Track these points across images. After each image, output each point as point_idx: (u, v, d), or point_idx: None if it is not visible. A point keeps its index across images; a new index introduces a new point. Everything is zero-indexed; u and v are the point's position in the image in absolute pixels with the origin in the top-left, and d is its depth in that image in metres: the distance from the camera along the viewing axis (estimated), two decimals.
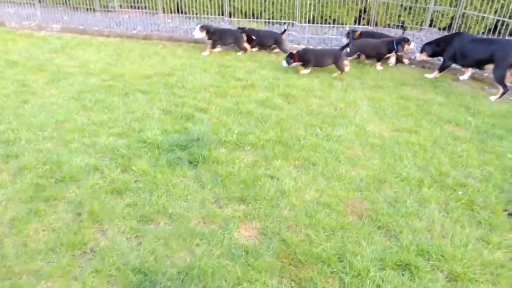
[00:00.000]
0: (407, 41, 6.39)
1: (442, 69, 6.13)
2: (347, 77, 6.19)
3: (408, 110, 5.12)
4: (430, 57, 6.26)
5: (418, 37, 7.68)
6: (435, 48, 6.14)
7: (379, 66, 6.54)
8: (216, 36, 7.26)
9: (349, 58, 6.50)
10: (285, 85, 5.86)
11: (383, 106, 5.24)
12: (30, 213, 3.31)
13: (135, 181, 3.76)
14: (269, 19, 8.52)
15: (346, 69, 6.25)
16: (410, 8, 7.80)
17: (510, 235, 3.17)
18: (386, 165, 4.01)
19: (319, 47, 7.40)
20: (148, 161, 4.02)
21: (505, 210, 3.42)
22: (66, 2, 9.41)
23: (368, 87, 5.83)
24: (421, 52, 6.33)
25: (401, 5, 7.81)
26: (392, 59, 6.69)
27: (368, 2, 7.95)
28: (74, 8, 9.30)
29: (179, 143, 4.30)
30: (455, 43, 5.89)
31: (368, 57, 6.78)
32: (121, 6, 9.24)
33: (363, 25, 8.10)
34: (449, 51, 5.96)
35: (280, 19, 8.45)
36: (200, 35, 7.24)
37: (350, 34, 7.13)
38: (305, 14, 8.10)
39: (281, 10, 8.40)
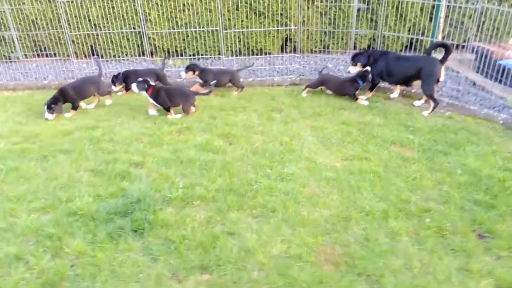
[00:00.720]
0: (368, 73, 6.24)
1: (372, 88, 6.24)
2: (285, 108, 6.04)
3: (352, 136, 5.05)
4: (363, 67, 6.22)
5: (343, 60, 7.86)
6: (367, 58, 6.17)
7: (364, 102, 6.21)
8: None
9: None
10: (223, 124, 5.54)
11: (327, 134, 5.12)
12: None
13: (71, 266, 3.14)
14: (193, 55, 8.21)
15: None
16: (332, 33, 7.98)
17: (486, 259, 3.09)
18: (346, 200, 3.82)
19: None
20: (83, 238, 3.41)
21: (474, 231, 3.36)
22: None
23: (307, 115, 5.71)
24: (354, 64, 6.31)
25: (324, 31, 7.97)
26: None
27: (292, 30, 8.00)
28: None
29: (117, 209, 3.74)
30: (381, 61, 6.03)
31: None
32: (26, 55, 8.35)
33: (288, 53, 8.12)
34: (376, 69, 6.08)
35: (205, 54, 8.18)
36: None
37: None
38: (230, 46, 7.93)
39: (205, 44, 8.14)
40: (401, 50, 7.92)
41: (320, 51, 8.19)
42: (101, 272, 3.07)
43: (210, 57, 8.16)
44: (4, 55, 8.27)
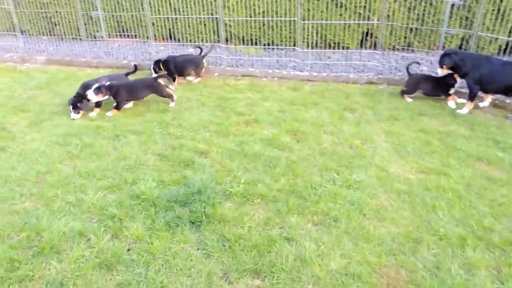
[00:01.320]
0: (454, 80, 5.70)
1: (473, 98, 5.52)
2: (359, 107, 5.69)
3: (431, 146, 4.60)
4: (450, 69, 5.61)
5: (428, 60, 7.25)
6: (456, 60, 5.54)
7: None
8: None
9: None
10: (292, 119, 5.34)
11: (402, 141, 4.72)
12: None
13: (128, 251, 3.18)
14: (267, 44, 8.05)
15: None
16: (418, 29, 7.37)
17: None
18: (418, 219, 3.47)
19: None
20: (143, 222, 3.45)
21: None
22: (50, 32, 8.92)
23: (382, 118, 5.32)
24: (441, 66, 5.72)
25: (410, 28, 7.38)
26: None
27: (374, 24, 7.52)
28: (59, 37, 8.78)
29: (178, 198, 3.73)
30: (483, 67, 5.33)
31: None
32: (109, 35, 8.74)
33: (367, 48, 7.66)
34: (475, 75, 5.37)
35: (280, 44, 7.99)
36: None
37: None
38: (306, 38, 7.65)
39: (280, 34, 7.94)
40: (497, 54, 7.10)
41: (403, 49, 7.61)
42: (155, 261, 3.07)
43: (284, 48, 7.94)
44: (90, 34, 8.72)
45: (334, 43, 7.84)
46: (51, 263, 3.04)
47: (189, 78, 6.93)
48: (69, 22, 8.71)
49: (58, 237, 3.28)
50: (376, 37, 7.58)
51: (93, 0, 8.34)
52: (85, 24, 8.62)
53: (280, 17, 7.69)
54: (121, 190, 3.92)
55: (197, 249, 3.20)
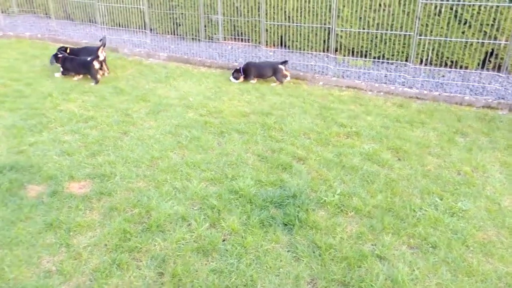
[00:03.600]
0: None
1: None
2: (471, 132, 5.29)
3: None
4: None
5: None
6: None
7: None
8: None
9: None
10: (395, 136, 5.17)
11: None
12: (113, 264, 3.08)
13: (223, 241, 3.38)
14: (378, 58, 7.87)
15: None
16: None
17: None
18: None
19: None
20: (239, 217, 3.63)
21: None
22: (173, 31, 9.78)
23: (499, 147, 4.88)
24: None
25: None
26: None
27: (501, 45, 6.92)
28: (181, 37, 9.59)
29: (273, 199, 3.86)
30: None
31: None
32: (225, 38, 9.31)
33: (489, 70, 7.06)
34: None
35: (391, 59, 7.75)
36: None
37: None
38: (420, 54, 7.32)
39: (392, 48, 7.71)
40: None
41: None
42: (247, 255, 3.22)
43: (394, 63, 7.69)
44: (208, 35, 9.38)
45: (451, 61, 7.39)
46: (156, 240, 3.36)
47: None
48: (191, 24, 9.47)
49: (164, 218, 3.61)
50: (501, 59, 6.96)
51: (215, 5, 8.96)
52: (205, 27, 9.30)
53: (395, 30, 7.48)
54: (221, 184, 4.17)
55: (287, 251, 3.27)
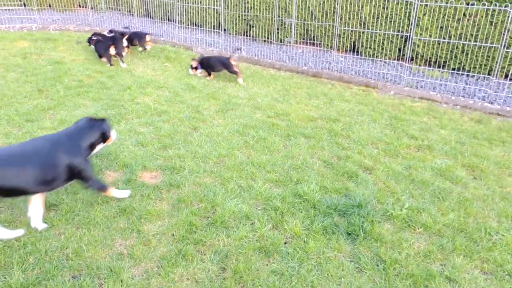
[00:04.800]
0: None
1: None
2: None
3: None
4: None
5: None
6: None
7: None
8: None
9: None
10: (471, 153, 4.88)
11: None
12: (179, 254, 3.21)
13: (285, 243, 3.39)
14: (457, 69, 7.47)
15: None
16: None
17: None
18: None
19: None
20: (301, 221, 3.63)
21: None
22: (246, 32, 9.97)
23: None
24: None
25: None
26: None
27: None
28: (252, 38, 9.76)
29: (338, 206, 3.81)
30: None
31: None
32: (296, 41, 9.33)
33: None
34: None
35: (471, 71, 7.32)
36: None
37: None
38: (506, 68, 6.83)
39: (474, 60, 7.28)
40: None
41: None
42: (308, 260, 3.20)
43: (475, 75, 7.25)
44: (280, 38, 9.45)
45: None
46: (220, 236, 3.46)
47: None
48: (264, 26, 9.60)
49: (229, 214, 3.70)
50: None
51: (289, 8, 9.02)
52: (277, 29, 9.39)
53: (480, 42, 7.04)
54: (285, 186, 4.19)
55: (350, 261, 3.22)
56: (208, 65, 7.63)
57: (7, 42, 9.66)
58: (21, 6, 12.08)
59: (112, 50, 8.17)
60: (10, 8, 12.02)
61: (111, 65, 8.10)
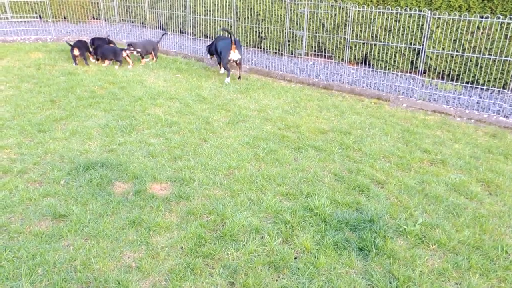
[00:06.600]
0: None
1: None
2: None
3: None
4: None
5: None
6: None
7: None
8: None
9: None
10: (486, 169, 4.78)
11: None
12: (188, 268, 3.17)
13: (295, 258, 3.33)
14: (470, 82, 7.38)
15: None
16: None
17: None
18: None
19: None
20: (312, 235, 3.56)
21: None
22: (257, 45, 10.01)
23: None
24: None
25: None
26: None
27: None
28: (263, 50, 9.79)
29: (349, 221, 3.73)
30: None
31: None
32: (307, 53, 9.33)
33: None
34: None
35: (485, 85, 7.22)
36: None
37: None
38: None
39: (488, 74, 7.18)
40: None
41: None
42: (319, 276, 3.13)
43: (489, 89, 7.14)
44: (291, 50, 9.47)
45: None
46: (229, 249, 3.40)
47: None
48: (275, 38, 9.64)
49: (238, 228, 3.65)
50: None
51: (301, 21, 9.04)
52: (288, 41, 9.41)
53: (494, 55, 6.96)
54: (296, 200, 4.13)
55: (362, 278, 3.13)
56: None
57: (22, 53, 9.84)
58: (37, 18, 12.32)
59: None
60: (26, 20, 12.27)
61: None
